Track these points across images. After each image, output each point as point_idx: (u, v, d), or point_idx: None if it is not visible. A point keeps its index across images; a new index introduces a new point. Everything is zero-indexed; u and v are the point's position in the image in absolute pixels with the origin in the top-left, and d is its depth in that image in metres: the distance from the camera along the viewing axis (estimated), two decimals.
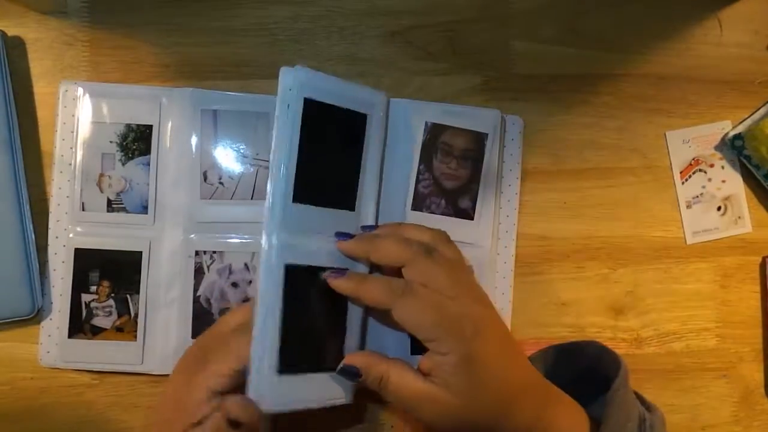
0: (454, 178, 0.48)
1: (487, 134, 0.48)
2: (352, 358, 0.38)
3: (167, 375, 0.45)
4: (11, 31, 0.48)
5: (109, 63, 0.48)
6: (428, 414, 0.36)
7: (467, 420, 0.36)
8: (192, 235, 0.46)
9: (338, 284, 0.38)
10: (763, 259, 0.52)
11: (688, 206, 0.51)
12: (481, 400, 0.36)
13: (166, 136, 0.46)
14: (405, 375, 0.37)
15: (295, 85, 0.38)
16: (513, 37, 0.50)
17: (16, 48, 0.48)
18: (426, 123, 0.47)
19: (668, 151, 0.51)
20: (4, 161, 0.46)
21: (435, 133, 0.48)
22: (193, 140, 0.46)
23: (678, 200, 0.51)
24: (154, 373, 0.46)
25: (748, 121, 0.51)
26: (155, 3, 0.48)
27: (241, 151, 0.47)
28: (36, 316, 0.46)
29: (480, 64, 0.50)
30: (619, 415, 0.38)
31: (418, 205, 0.47)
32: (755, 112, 0.51)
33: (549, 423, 0.38)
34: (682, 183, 0.51)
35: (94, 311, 0.46)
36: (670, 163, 0.51)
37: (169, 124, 0.47)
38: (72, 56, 0.48)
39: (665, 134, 0.51)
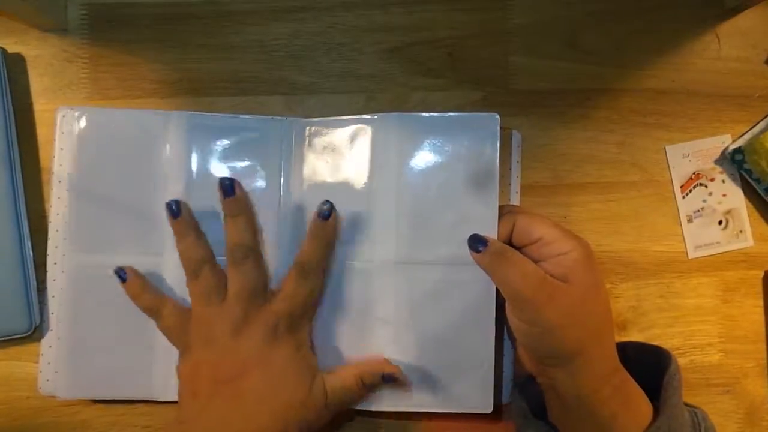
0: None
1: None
2: (483, 236, 0.42)
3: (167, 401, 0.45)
4: (11, 49, 0.48)
5: (109, 80, 0.48)
6: (539, 295, 0.37)
7: (576, 313, 0.37)
8: None
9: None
10: (766, 273, 0.51)
11: (689, 220, 0.51)
12: (595, 299, 0.39)
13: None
14: (526, 260, 0.39)
15: None
16: (512, 52, 0.50)
17: (16, 65, 0.48)
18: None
19: (668, 165, 0.51)
20: (4, 177, 0.45)
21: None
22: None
23: (679, 214, 0.51)
24: (159, 399, 0.45)
25: (748, 135, 0.51)
26: (155, 20, 0.49)
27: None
28: (33, 333, 0.46)
29: (479, 80, 0.50)
30: (678, 399, 0.39)
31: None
32: (755, 125, 0.51)
33: (625, 379, 0.39)
34: (683, 197, 0.51)
35: None
36: (671, 177, 0.51)
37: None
38: (72, 73, 0.48)
39: (665, 148, 0.51)
